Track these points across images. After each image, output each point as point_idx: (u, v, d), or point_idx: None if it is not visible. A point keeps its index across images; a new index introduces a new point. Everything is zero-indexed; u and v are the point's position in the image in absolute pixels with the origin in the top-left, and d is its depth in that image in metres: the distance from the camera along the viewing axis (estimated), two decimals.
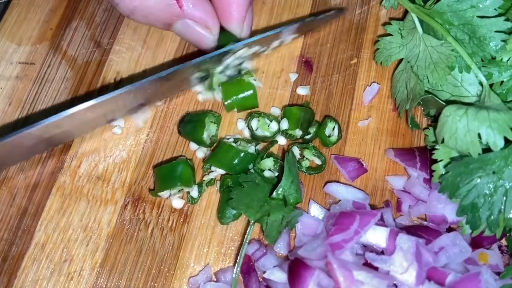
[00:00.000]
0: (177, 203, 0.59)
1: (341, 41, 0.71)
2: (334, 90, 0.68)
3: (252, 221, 0.55)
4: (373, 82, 0.68)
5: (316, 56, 0.70)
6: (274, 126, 0.62)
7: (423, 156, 0.60)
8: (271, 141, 0.61)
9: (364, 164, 0.63)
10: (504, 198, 0.52)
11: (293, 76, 0.68)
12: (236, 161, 0.58)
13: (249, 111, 0.64)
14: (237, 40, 0.62)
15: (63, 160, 0.62)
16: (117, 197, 0.61)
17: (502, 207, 0.52)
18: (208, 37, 0.60)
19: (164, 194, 0.59)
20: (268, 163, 0.59)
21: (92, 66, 0.68)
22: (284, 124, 0.61)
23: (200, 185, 0.60)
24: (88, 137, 0.64)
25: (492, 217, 0.52)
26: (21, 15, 0.71)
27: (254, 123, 0.62)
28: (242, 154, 0.58)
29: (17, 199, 0.60)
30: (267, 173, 0.58)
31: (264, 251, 0.56)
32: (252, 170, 0.59)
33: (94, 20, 0.71)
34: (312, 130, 0.63)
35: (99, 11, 0.72)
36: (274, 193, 0.54)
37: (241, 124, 0.64)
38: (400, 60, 0.66)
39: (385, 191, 0.62)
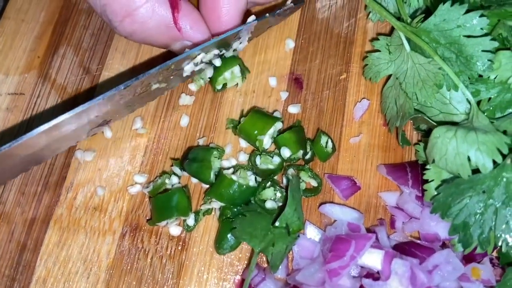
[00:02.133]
0: (175, 230, 0.60)
1: (330, 56, 0.71)
2: (325, 107, 0.68)
3: (257, 252, 0.55)
4: (363, 98, 0.68)
5: (305, 73, 0.70)
6: (276, 159, 0.62)
7: (415, 172, 0.61)
8: (271, 173, 0.62)
9: (357, 182, 0.64)
10: (494, 216, 0.53)
11: (284, 95, 0.69)
12: (237, 195, 0.58)
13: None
14: (193, 45, 0.62)
15: (58, 192, 0.63)
16: (115, 227, 0.61)
17: (493, 224, 0.53)
18: None
19: (162, 223, 0.59)
20: (269, 193, 0.60)
21: (83, 94, 0.68)
22: (286, 152, 0.61)
23: (197, 213, 0.61)
24: (82, 166, 0.64)
25: (483, 235, 0.53)
26: (7, 44, 0.70)
27: (258, 160, 0.62)
28: (243, 188, 0.58)
29: (16, 234, 0.60)
30: (268, 204, 0.59)
31: (263, 276, 0.57)
32: (253, 202, 0.59)
33: (81, 45, 0.71)
34: (308, 148, 0.64)
35: (86, 36, 0.72)
36: (278, 222, 0.55)
37: (243, 157, 0.64)
38: (389, 75, 0.66)
39: (379, 207, 0.63)
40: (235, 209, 0.59)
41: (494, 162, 0.50)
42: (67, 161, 0.64)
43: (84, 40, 0.71)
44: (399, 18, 0.64)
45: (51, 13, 0.72)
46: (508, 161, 0.52)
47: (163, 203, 0.59)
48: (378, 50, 0.67)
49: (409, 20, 0.63)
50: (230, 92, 0.69)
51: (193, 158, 0.61)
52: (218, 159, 0.62)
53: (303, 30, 0.73)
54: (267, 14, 0.65)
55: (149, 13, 0.57)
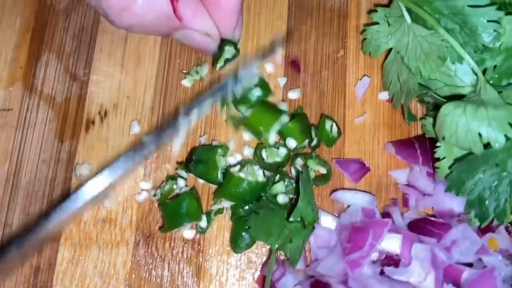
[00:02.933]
0: (188, 233, 0.59)
1: (325, 33, 0.68)
2: (326, 89, 0.66)
3: (275, 249, 0.55)
4: (363, 75, 0.66)
5: (302, 55, 0.68)
6: (283, 150, 0.60)
7: (424, 148, 0.60)
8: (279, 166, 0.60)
9: (366, 164, 0.63)
10: (509, 188, 0.53)
11: (282, 81, 0.66)
12: (247, 192, 0.57)
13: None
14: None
15: None
16: (127, 237, 0.60)
17: (508, 195, 0.53)
18: (209, 43, 0.61)
19: (174, 230, 0.58)
20: (279, 187, 0.59)
21: (73, 103, 0.65)
22: (292, 143, 0.60)
23: (208, 214, 0.60)
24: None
25: (499, 207, 0.53)
26: None
27: (264, 154, 0.60)
28: (252, 185, 0.57)
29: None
30: (280, 199, 0.58)
31: (283, 271, 0.57)
32: (264, 198, 0.58)
33: (64, 50, 0.67)
34: (313, 135, 0.62)
35: (67, 39, 0.68)
36: (292, 217, 0.54)
37: (248, 150, 0.62)
38: (389, 49, 0.64)
39: (390, 186, 0.63)
40: (247, 207, 0.58)
41: (506, 136, 0.49)
42: (67, 174, 0.62)
43: (66, 44, 0.68)
44: None
45: (26, 19, 0.68)
46: None
47: (173, 210, 0.58)
48: (376, 23, 0.64)
49: None
50: None
51: (198, 159, 0.59)
52: (223, 157, 0.60)
53: (294, 7, 0.69)
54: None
55: (147, 5, 0.54)
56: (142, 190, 0.61)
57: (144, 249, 0.60)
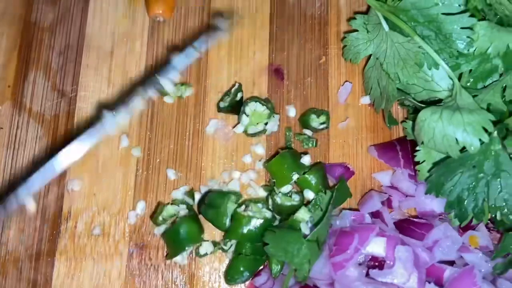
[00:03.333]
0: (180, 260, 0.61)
1: (307, 40, 0.70)
2: (309, 95, 0.68)
3: (292, 269, 0.55)
4: (345, 81, 0.68)
5: (284, 62, 0.69)
6: (296, 197, 0.61)
7: (405, 151, 0.62)
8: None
9: (350, 167, 0.65)
10: (486, 188, 0.55)
11: (266, 89, 0.68)
12: (257, 230, 0.58)
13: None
14: None
15: (58, 223, 0.63)
16: (121, 248, 0.62)
17: (485, 196, 0.55)
18: None
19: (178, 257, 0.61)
20: (303, 215, 0.58)
21: (62, 119, 0.66)
22: (310, 195, 0.61)
23: (215, 245, 0.62)
24: (77, 194, 0.64)
25: (477, 207, 0.55)
26: None
27: (278, 199, 0.61)
28: (261, 222, 0.58)
29: (24, 272, 0.61)
30: (303, 227, 0.57)
31: (273, 282, 0.58)
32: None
33: (51, 67, 0.68)
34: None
35: (53, 57, 0.69)
36: (310, 236, 0.54)
37: (261, 192, 0.63)
38: (369, 55, 0.66)
39: (375, 188, 0.64)
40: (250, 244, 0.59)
41: (481, 140, 0.51)
42: (60, 190, 0.64)
43: (53, 61, 0.69)
44: None
45: (12, 38, 0.69)
46: (495, 134, 0.53)
47: (173, 237, 0.59)
48: (355, 30, 0.66)
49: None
50: (212, 94, 0.68)
51: (210, 204, 0.60)
52: (235, 203, 0.61)
53: (276, 17, 0.71)
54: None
55: None
56: (137, 214, 0.63)
57: (137, 259, 0.62)
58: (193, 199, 0.63)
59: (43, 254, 0.62)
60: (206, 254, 0.61)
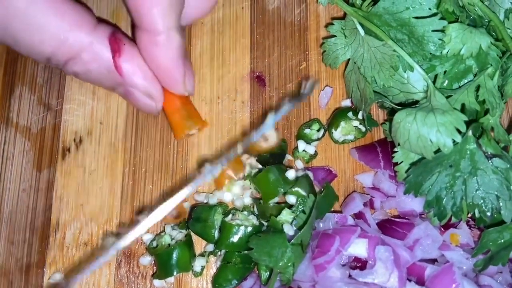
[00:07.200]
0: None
1: (287, 47, 0.71)
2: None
3: (277, 272, 0.56)
4: (325, 86, 0.69)
5: (266, 69, 0.70)
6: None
7: (385, 152, 0.63)
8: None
9: (333, 170, 0.66)
10: (464, 186, 0.56)
11: (248, 96, 0.69)
12: (246, 237, 0.59)
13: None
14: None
15: (47, 234, 0.64)
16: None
17: (463, 194, 0.56)
18: (151, 105, 0.60)
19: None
20: (285, 216, 0.59)
21: (48, 132, 0.68)
22: (292, 199, 0.61)
23: (202, 256, 0.62)
24: (65, 205, 0.65)
25: (456, 205, 0.56)
26: None
27: (261, 201, 0.61)
28: (250, 229, 0.59)
29: (15, 285, 0.62)
30: (285, 228, 0.58)
31: (259, 286, 0.59)
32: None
33: (36, 82, 0.70)
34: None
35: (39, 71, 0.70)
36: (294, 240, 0.55)
37: (247, 200, 0.63)
38: (348, 59, 0.67)
39: (357, 190, 0.66)
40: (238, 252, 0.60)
41: (454, 141, 0.52)
42: (48, 202, 0.65)
43: (38, 75, 0.70)
44: (348, 2, 0.64)
45: None
46: (469, 133, 0.55)
47: (164, 260, 0.60)
48: (333, 35, 0.67)
49: (359, 1, 0.63)
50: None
51: (197, 218, 0.61)
52: (222, 215, 0.62)
53: (256, 24, 0.72)
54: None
55: (91, 57, 0.55)
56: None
57: (126, 268, 0.63)
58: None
59: (33, 266, 0.63)
60: (203, 268, 0.62)
